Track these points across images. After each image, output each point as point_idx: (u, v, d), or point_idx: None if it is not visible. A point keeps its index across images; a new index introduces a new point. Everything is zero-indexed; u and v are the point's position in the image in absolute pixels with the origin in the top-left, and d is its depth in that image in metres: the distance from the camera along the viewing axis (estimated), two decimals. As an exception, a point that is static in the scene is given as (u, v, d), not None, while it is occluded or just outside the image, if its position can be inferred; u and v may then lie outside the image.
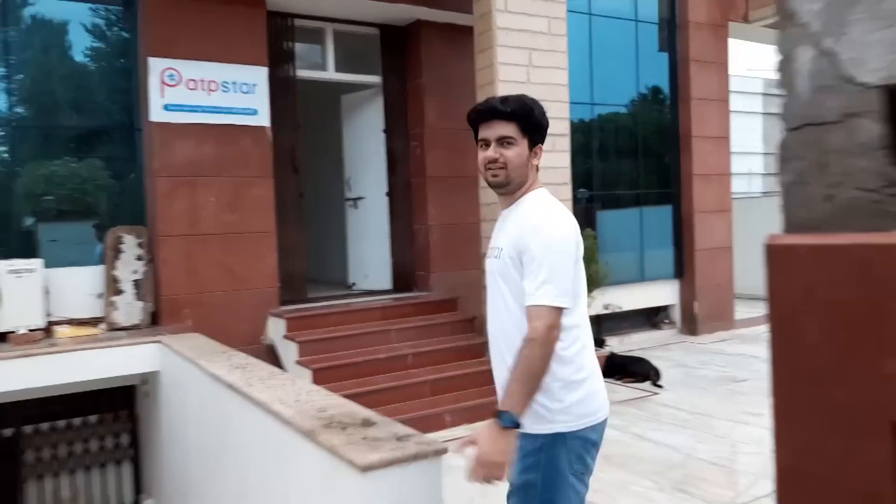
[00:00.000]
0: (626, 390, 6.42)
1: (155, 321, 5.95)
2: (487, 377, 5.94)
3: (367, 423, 2.55)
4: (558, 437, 2.06)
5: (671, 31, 9.13)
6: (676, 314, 9.22)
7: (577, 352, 2.11)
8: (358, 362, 5.76)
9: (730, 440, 5.11)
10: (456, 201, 7.19)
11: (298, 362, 5.76)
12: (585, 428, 2.08)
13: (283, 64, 6.56)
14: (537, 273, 2.00)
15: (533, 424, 2.05)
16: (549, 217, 2.10)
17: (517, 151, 2.14)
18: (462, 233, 7.21)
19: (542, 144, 2.21)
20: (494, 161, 2.15)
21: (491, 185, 2.23)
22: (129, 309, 5.85)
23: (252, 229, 6.24)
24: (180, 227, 5.94)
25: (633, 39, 8.93)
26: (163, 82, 5.83)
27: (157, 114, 5.82)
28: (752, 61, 14.18)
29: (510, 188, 2.20)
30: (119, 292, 5.86)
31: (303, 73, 6.84)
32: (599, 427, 2.13)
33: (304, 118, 6.97)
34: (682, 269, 9.13)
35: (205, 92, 6.00)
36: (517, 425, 1.92)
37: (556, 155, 6.31)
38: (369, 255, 7.76)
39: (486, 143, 2.17)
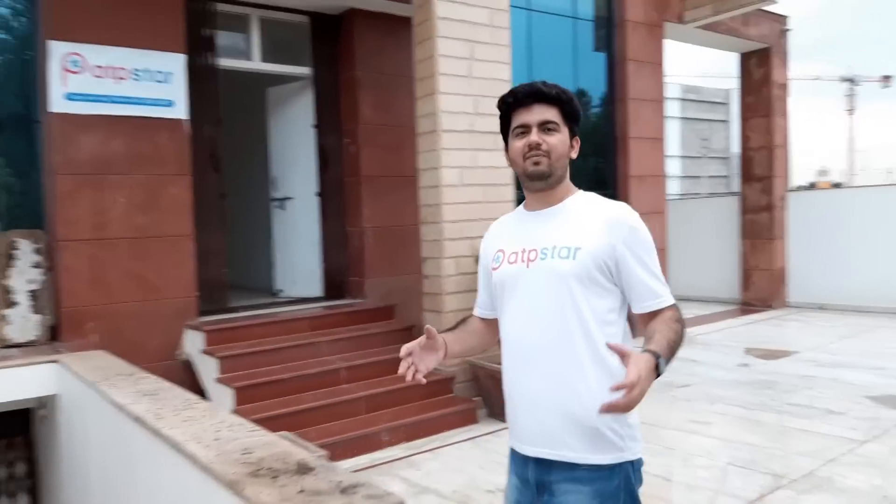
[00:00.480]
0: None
1: (55, 336, 5.31)
2: (427, 391, 5.61)
3: (303, 469, 2.14)
4: (630, 465, 1.87)
5: (608, 29, 8.99)
6: (615, 317, 9.07)
7: None
8: (285, 379, 5.28)
9: (680, 452, 4.90)
10: (392, 202, 6.79)
11: (219, 380, 5.23)
12: (640, 456, 1.92)
13: (203, 52, 6.00)
14: (657, 273, 1.86)
15: (602, 454, 1.82)
16: (637, 217, 1.89)
17: (560, 139, 1.90)
18: (399, 236, 6.82)
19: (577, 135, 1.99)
20: (538, 146, 1.87)
21: (529, 177, 1.92)
22: (24, 323, 5.19)
23: (167, 233, 5.66)
24: (84, 230, 5.31)
25: (571, 37, 8.74)
26: (65, 69, 5.20)
27: (58, 104, 5.19)
28: (668, 66, 14.35)
29: (551, 181, 1.91)
30: (12, 304, 5.19)
31: (225, 63, 6.29)
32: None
33: (226, 111, 6.42)
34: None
35: (113, 80, 5.39)
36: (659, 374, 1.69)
37: (499, 154, 5.97)
38: (298, 260, 7.26)
39: (525, 130, 1.90)
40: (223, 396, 5.20)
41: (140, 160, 5.52)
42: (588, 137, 9.02)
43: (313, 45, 6.82)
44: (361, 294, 6.83)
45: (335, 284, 7.01)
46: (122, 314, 5.47)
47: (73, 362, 4.29)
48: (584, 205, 1.92)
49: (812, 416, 5.20)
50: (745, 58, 11.38)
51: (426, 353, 2.01)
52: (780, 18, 11.29)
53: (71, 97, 5.21)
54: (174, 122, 5.66)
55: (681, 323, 1.81)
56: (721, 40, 10.62)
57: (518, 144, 1.91)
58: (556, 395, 1.83)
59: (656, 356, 1.65)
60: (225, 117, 6.56)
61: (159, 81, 5.57)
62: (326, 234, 6.99)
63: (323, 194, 6.96)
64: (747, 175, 11.29)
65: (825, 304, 10.46)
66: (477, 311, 2.20)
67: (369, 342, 6.03)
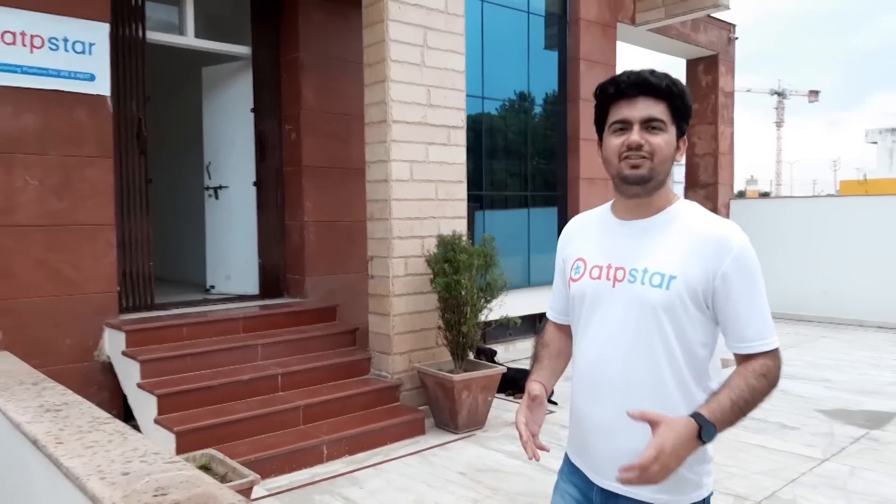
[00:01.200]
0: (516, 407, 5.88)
1: (-51, 334, 4.70)
2: (370, 400, 5.23)
3: (230, 518, 1.75)
4: (703, 502, 1.69)
5: (561, 26, 8.78)
6: (561, 321, 8.89)
7: None
8: (215, 385, 4.81)
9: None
10: (337, 196, 6.37)
11: (140, 386, 4.73)
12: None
13: (130, 23, 5.44)
14: (758, 311, 1.60)
15: (681, 495, 1.65)
16: (746, 240, 1.62)
17: (666, 139, 1.63)
18: (343, 231, 6.42)
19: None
20: (639, 147, 1.61)
21: (624, 180, 1.65)
22: (-87, 319, 4.56)
23: (85, 220, 5.11)
24: (-12, 215, 4.73)
25: (524, 33, 8.48)
26: (-33, 31, 4.60)
27: (-43, 71, 4.58)
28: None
29: (650, 186, 1.65)
30: None
31: (155, 37, 5.74)
32: None
33: (158, 91, 5.90)
34: (567, 274, 8.80)
35: (26, 48, 4.80)
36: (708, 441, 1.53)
37: (451, 149, 5.67)
38: (232, 254, 6.76)
39: (625, 126, 1.64)
40: (145, 404, 4.71)
41: (56, 139, 4.95)
42: (540, 136, 8.80)
43: (253, 22, 6.32)
44: (301, 293, 6.40)
45: (272, 282, 6.55)
46: (32, 310, 4.89)
47: (-35, 367, 3.75)
48: (685, 219, 1.66)
49: (767, 430, 5.06)
50: (692, 64, 11.41)
51: (536, 411, 1.81)
52: (728, 26, 11.35)
53: (-26, 65, 4.61)
54: (95, 98, 5.11)
55: (767, 378, 1.57)
56: (671, 45, 10.58)
57: (615, 142, 1.65)
58: (637, 434, 1.54)
59: (701, 422, 1.46)
60: (156, 97, 6.03)
61: (79, 52, 5.00)
62: (264, 227, 6.52)
63: (260, 184, 6.48)
64: (692, 181, 11.31)
65: (764, 311, 10.53)
66: (553, 316, 1.99)
67: (309, 346, 5.61)
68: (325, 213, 6.37)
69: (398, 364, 5.39)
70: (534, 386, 1.82)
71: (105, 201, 5.20)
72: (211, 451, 3.86)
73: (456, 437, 5.09)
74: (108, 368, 5.20)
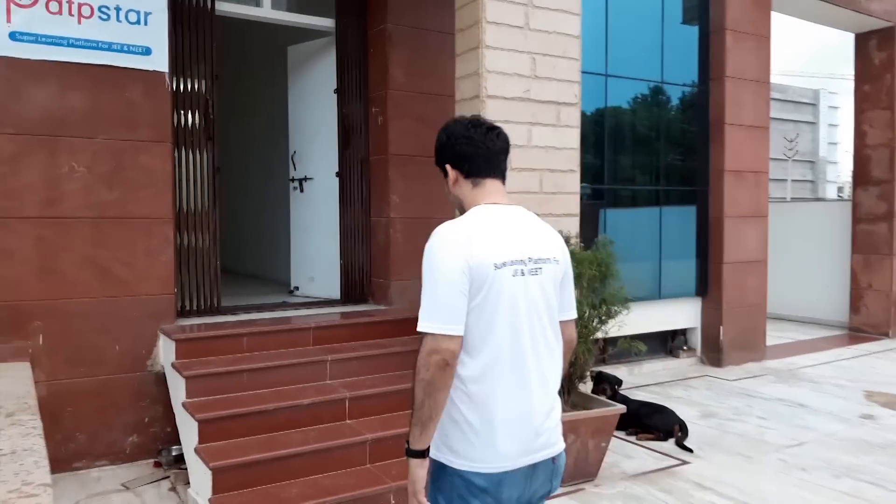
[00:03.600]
0: (642, 454, 4.74)
1: (-13, 337, 4.23)
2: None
3: None
4: (442, 467, 1.90)
5: (703, -5, 7.46)
6: (697, 340, 7.57)
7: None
8: (270, 410, 4.04)
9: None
10: (427, 188, 5.46)
11: (184, 406, 4.05)
12: (465, 471, 1.86)
13: (197, -9, 4.83)
14: (423, 297, 1.87)
15: (431, 449, 1.90)
16: (433, 236, 2.01)
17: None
18: (433, 230, 5.50)
19: (450, 164, 2.05)
20: None
21: None
22: (-51, 319, 4.12)
23: (138, 213, 4.52)
24: (30, 205, 4.22)
25: (658, 3, 7.24)
26: (10, 0, 4.10)
27: (-1, 44, 4.10)
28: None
29: None
30: (-63, 295, 4.13)
31: (224, 8, 5.10)
32: (492, 479, 1.85)
33: (234, 70, 5.24)
34: (706, 285, 7.48)
35: (73, 18, 4.26)
36: (414, 454, 1.86)
37: (561, 131, 4.62)
38: (316, 253, 6.06)
39: None
40: (188, 428, 4.03)
41: (106, 121, 4.38)
42: (675, 122, 7.52)
43: (338, -10, 5.56)
44: (386, 299, 5.57)
45: (356, 285, 5.77)
46: (77, 312, 4.35)
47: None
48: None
49: None
50: (862, 39, 9.57)
51: None
52: (912, -9, 9.43)
53: (16, 36, 4.11)
54: (151, 75, 4.50)
55: (415, 372, 1.79)
56: (837, 15, 8.86)
57: None
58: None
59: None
60: (240, 79, 5.39)
61: (133, 23, 4.41)
62: (347, 223, 5.75)
63: (343, 175, 5.71)
64: (862, 178, 9.49)
65: (956, 335, 8.64)
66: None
67: (387, 364, 4.73)
68: (413, 209, 5.51)
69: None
70: None
71: (161, 192, 4.59)
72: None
73: (559, 491, 4.03)
74: (163, 380, 4.60)
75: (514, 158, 4.38)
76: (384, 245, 5.59)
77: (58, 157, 4.27)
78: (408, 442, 1.84)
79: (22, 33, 4.12)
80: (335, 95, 5.65)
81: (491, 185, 2.01)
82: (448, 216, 5.48)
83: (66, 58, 4.24)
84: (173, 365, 4.31)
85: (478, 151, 1.99)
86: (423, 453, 1.84)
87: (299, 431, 4.06)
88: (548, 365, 1.93)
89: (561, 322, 2.01)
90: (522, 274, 1.87)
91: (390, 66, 5.40)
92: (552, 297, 1.95)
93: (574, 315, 2.08)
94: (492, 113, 4.30)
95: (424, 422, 1.79)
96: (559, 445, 1.96)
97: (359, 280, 5.78)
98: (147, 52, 4.47)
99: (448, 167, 2.02)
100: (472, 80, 4.38)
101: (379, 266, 5.70)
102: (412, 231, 5.49)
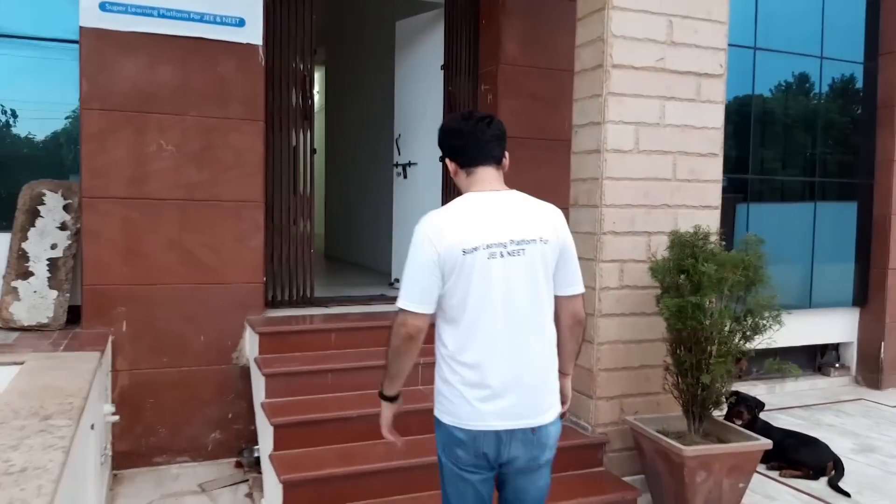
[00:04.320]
0: (787, 496, 3.95)
1: (74, 320, 4.09)
2: (562, 460, 3.69)
3: None
4: (438, 420, 2.20)
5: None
6: (852, 356, 6.54)
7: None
8: (353, 418, 3.63)
9: None
10: (539, 175, 4.81)
11: (263, 406, 3.72)
12: (449, 425, 2.13)
13: (295, -42, 4.48)
14: (403, 276, 2.10)
15: (435, 406, 2.22)
16: (421, 222, 2.14)
17: None
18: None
19: (448, 157, 2.19)
20: None
21: None
22: (36, 301, 4.00)
23: (228, 196, 4.24)
24: (117, 185, 4.02)
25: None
26: (101, -32, 3.90)
27: (88, 16, 3.90)
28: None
29: None
30: (26, 275, 4.03)
31: (326, -25, 4.75)
32: (469, 434, 2.10)
33: (344, 49, 4.87)
34: (865, 293, 6.43)
35: (164, -14, 4.02)
36: (384, 398, 2.29)
37: (701, 107, 3.90)
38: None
39: None
40: (265, 431, 3.70)
41: (196, 96, 4.12)
42: (833, 103, 6.48)
43: (448, -45, 5.06)
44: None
45: (458, 281, 5.28)
46: (161, 299, 4.13)
47: (25, 372, 2.95)
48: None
49: None
50: None
51: None
52: None
53: (106, 7, 3.90)
54: (244, 48, 4.20)
55: (389, 338, 2.13)
56: None
57: None
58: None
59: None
60: (350, 58, 5.03)
61: (226, -9, 4.12)
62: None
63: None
64: None
65: None
66: None
67: (486, 370, 4.22)
68: (523, 197, 4.93)
69: (604, 413, 3.80)
70: None
71: (252, 173, 4.29)
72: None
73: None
74: (248, 374, 4.31)
75: (643, 138, 3.74)
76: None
77: (146, 135, 4.04)
78: (382, 387, 2.26)
79: (112, 3, 3.91)
80: (442, 73, 5.16)
81: (482, 172, 2.11)
82: (565, 205, 4.85)
83: (155, 29, 4.00)
84: (256, 360, 4.00)
85: (468, 142, 2.12)
86: (392, 399, 2.26)
87: (384, 443, 3.60)
88: (533, 341, 2.08)
89: (564, 297, 2.16)
90: (501, 256, 2.01)
91: (503, 38, 4.84)
92: (540, 275, 2.07)
93: (578, 290, 2.19)
94: (617, 85, 3.66)
95: (392, 377, 2.20)
96: (541, 418, 2.10)
97: (462, 274, 5.29)
98: (241, 23, 4.17)
99: (447, 160, 2.18)
100: (594, 47, 3.75)
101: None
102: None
